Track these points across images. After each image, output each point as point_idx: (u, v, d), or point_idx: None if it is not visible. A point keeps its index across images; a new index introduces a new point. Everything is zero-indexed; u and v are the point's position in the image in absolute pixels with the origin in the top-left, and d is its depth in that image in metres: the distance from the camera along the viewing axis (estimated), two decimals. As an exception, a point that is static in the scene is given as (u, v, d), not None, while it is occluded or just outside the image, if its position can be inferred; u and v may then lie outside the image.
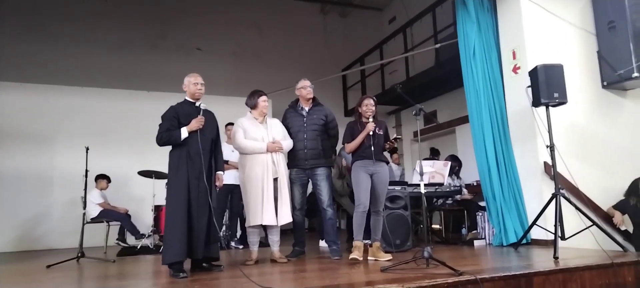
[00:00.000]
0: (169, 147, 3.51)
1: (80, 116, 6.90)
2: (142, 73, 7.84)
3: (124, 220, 5.98)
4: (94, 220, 5.81)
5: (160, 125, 3.48)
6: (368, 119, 3.83)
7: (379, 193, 3.80)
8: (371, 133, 3.76)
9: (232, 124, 5.56)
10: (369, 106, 3.88)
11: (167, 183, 3.54)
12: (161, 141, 3.45)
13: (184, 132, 3.41)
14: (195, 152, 3.40)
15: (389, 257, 3.71)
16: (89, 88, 7.05)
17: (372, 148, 3.75)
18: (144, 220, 6.31)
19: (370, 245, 3.85)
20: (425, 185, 3.44)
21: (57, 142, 6.77)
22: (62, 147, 6.67)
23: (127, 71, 7.80)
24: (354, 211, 3.79)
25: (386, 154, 4.01)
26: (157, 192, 5.79)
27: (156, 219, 5.75)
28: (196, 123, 3.43)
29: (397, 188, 4.81)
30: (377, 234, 3.83)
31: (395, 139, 3.92)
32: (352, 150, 3.87)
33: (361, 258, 3.58)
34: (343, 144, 4.03)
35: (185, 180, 3.35)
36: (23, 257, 5.39)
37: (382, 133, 3.88)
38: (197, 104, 3.59)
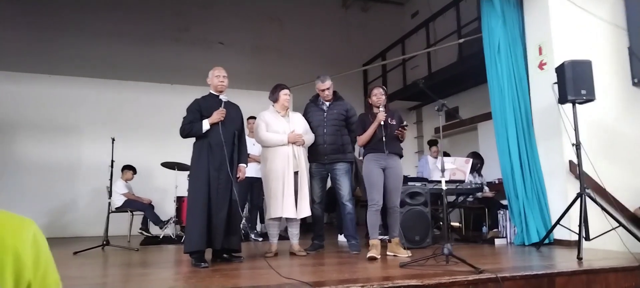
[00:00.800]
0: (193, 139, 3.57)
1: (106, 108, 7.08)
2: (165, 66, 7.97)
3: (147, 210, 6.11)
4: (118, 210, 5.96)
5: (184, 117, 3.55)
6: (378, 108, 3.72)
7: (392, 189, 3.70)
8: (383, 123, 3.64)
9: (253, 117, 5.62)
10: (378, 95, 3.77)
11: (189, 174, 3.60)
12: (184, 133, 3.52)
13: (206, 124, 3.46)
14: (216, 144, 3.45)
15: (408, 253, 3.68)
16: (113, 80, 7.22)
17: (384, 139, 3.63)
18: (166, 211, 6.44)
19: (389, 241, 3.83)
20: (446, 182, 3.39)
21: (83, 133, 6.97)
22: (89, 138, 6.86)
23: (150, 64, 7.95)
24: (368, 210, 3.72)
25: (402, 145, 3.86)
26: (179, 183, 5.90)
27: (178, 210, 5.86)
28: (217, 115, 3.48)
29: (417, 184, 4.78)
30: (395, 230, 3.78)
31: (404, 127, 3.72)
32: (364, 143, 3.76)
33: (379, 257, 3.52)
34: (355, 137, 3.95)
35: (206, 171, 3.41)
36: (51, 243, 5.46)
37: (394, 123, 3.75)
38: (220, 96, 3.64)
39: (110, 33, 7.91)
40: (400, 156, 3.82)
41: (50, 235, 6.52)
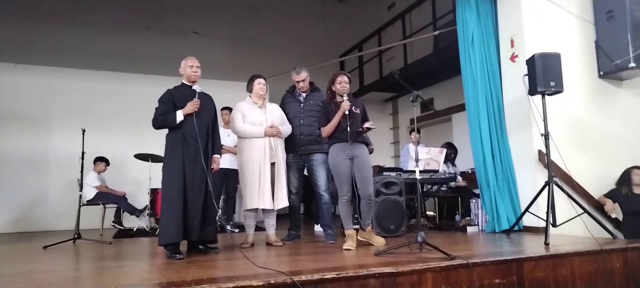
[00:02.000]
0: (166, 131, 3.52)
1: (77, 98, 6.89)
2: (138, 55, 7.78)
3: (121, 202, 6.00)
4: (90, 202, 5.83)
5: (156, 108, 3.49)
6: (342, 97, 3.63)
7: (363, 178, 3.60)
8: (347, 113, 3.55)
9: (228, 108, 5.57)
10: (343, 84, 3.65)
11: (163, 166, 3.55)
12: (157, 124, 3.46)
13: (180, 115, 3.41)
14: (190, 135, 3.41)
15: (382, 241, 3.73)
16: (84, 70, 7.03)
17: (349, 129, 3.53)
18: (141, 203, 6.34)
19: (363, 229, 3.85)
20: (420, 171, 3.45)
21: (53, 124, 6.77)
22: (59, 129, 6.67)
23: (123, 53, 7.74)
24: (339, 201, 3.67)
25: (378, 137, 3.85)
26: (154, 175, 5.81)
27: (152, 202, 5.77)
28: (191, 106, 3.44)
29: (392, 174, 4.84)
30: (368, 218, 3.76)
31: (368, 128, 3.64)
32: (328, 134, 3.65)
33: (354, 248, 3.53)
34: (318, 128, 3.81)
35: (181, 162, 3.37)
36: (20, 238, 5.42)
37: (359, 112, 3.67)
38: (193, 87, 3.59)
39: (82, 22, 7.65)
40: (367, 144, 3.76)
41: (18, 230, 6.40)
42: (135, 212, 5.95)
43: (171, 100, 3.48)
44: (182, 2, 8.52)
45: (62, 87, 6.86)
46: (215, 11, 8.77)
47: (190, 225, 3.34)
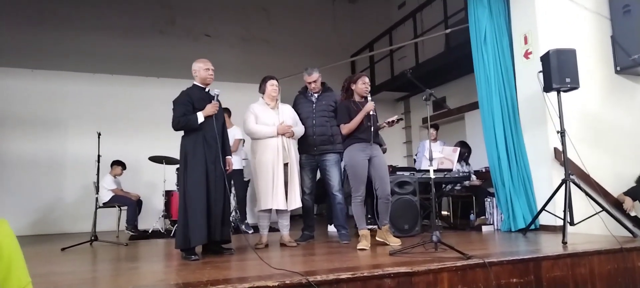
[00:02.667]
0: (180, 133, 3.54)
1: (91, 102, 6.99)
2: (150, 59, 7.87)
3: (130, 207, 6.04)
4: (106, 205, 5.90)
5: (174, 110, 3.49)
6: (364, 97, 3.68)
7: (382, 177, 3.66)
8: (373, 113, 3.63)
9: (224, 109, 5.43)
10: (367, 84, 3.76)
11: (180, 169, 3.53)
12: (178, 125, 3.45)
13: (201, 117, 3.44)
14: (211, 137, 3.46)
15: (398, 241, 3.70)
16: (98, 74, 7.12)
17: (372, 128, 3.61)
18: (155, 206, 6.40)
19: (379, 228, 3.85)
20: (434, 170, 3.43)
21: (69, 128, 6.87)
22: (74, 133, 6.77)
23: (135, 57, 7.83)
24: (352, 201, 3.69)
25: (390, 136, 3.90)
26: (168, 177, 5.86)
27: (167, 204, 5.82)
28: (212, 108, 3.48)
29: (406, 173, 4.82)
30: (386, 218, 3.78)
31: (393, 122, 3.69)
32: (349, 132, 3.67)
33: (368, 248, 3.52)
34: (337, 125, 3.85)
35: (203, 164, 3.40)
36: (38, 240, 5.51)
37: (376, 114, 3.72)
38: (207, 89, 3.62)
39: (95, 26, 7.77)
40: (380, 145, 3.84)
41: (36, 232, 6.50)
42: (131, 223, 5.88)
43: (190, 102, 3.49)
44: (194, 6, 8.61)
45: (76, 92, 6.96)
46: (226, 14, 8.84)
47: (213, 226, 3.39)
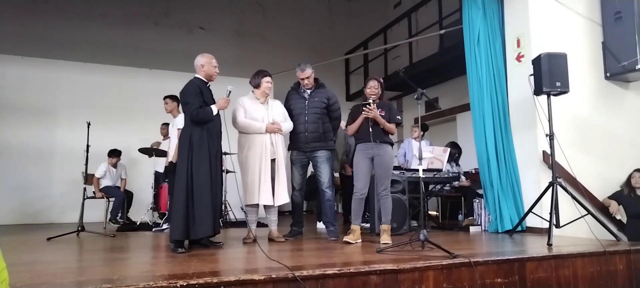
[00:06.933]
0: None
1: (82, 91, 6.91)
2: (144, 50, 7.81)
3: (117, 199, 6.00)
4: (94, 195, 5.85)
5: (187, 102, 3.43)
6: (367, 102, 3.76)
7: (380, 176, 3.77)
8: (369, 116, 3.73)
9: (170, 97, 5.29)
10: (372, 88, 3.83)
11: (181, 160, 3.40)
12: (198, 117, 3.40)
13: (215, 110, 3.47)
14: (216, 132, 3.50)
15: (388, 241, 3.70)
16: (90, 64, 7.04)
17: (371, 130, 3.70)
18: (143, 198, 6.36)
19: (373, 231, 3.88)
20: (423, 170, 3.45)
21: (58, 116, 6.80)
22: (64, 123, 6.70)
23: (129, 48, 7.77)
24: (353, 196, 3.81)
25: (392, 137, 3.91)
26: (157, 169, 5.83)
27: (155, 196, 5.79)
28: (224, 103, 3.53)
29: (396, 172, 4.83)
30: (385, 216, 3.78)
31: (367, 104, 3.74)
32: (352, 133, 3.90)
33: (354, 242, 3.60)
34: (346, 126, 4.07)
35: (208, 159, 3.41)
36: (23, 229, 5.45)
37: (384, 114, 3.79)
38: (208, 84, 3.63)
39: (88, 15, 7.69)
40: (391, 144, 3.88)
41: (23, 222, 6.43)
42: (113, 215, 5.91)
43: (200, 94, 3.47)
44: (189, -3, 8.55)
45: (67, 81, 6.89)
46: (221, 7, 8.79)
47: (217, 219, 3.44)
